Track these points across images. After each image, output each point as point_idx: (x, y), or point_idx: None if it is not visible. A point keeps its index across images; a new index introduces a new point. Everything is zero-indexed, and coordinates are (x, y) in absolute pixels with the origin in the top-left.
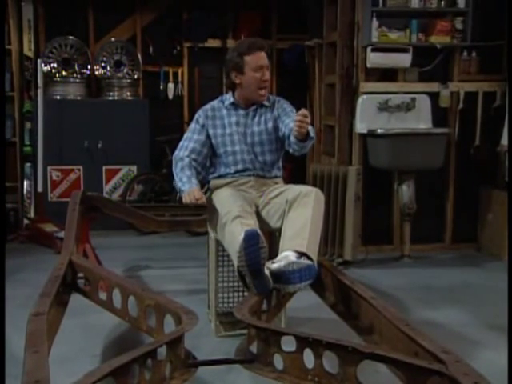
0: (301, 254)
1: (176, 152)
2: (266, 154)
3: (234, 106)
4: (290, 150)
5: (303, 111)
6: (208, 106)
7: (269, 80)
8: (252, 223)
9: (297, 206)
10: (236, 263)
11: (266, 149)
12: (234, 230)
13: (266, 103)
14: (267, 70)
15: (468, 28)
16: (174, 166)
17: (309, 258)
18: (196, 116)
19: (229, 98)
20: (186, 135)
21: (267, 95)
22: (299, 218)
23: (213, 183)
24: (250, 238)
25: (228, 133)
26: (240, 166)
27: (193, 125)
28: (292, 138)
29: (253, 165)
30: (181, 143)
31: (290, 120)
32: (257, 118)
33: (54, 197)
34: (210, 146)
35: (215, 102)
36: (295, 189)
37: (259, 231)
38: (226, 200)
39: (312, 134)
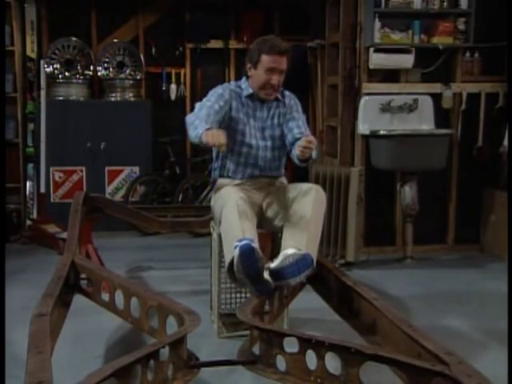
0: (299, 250)
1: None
2: (276, 149)
3: (251, 97)
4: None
5: (309, 138)
6: (231, 86)
7: (276, 84)
8: (248, 213)
9: (297, 203)
10: (228, 261)
11: (277, 144)
12: (230, 219)
13: (280, 98)
14: (278, 75)
15: (470, 29)
16: (188, 119)
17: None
18: (218, 90)
19: (246, 87)
20: (204, 100)
21: (282, 91)
22: (299, 216)
23: (220, 183)
24: (246, 253)
25: (247, 122)
26: (251, 160)
27: (214, 94)
28: (294, 154)
29: (264, 161)
30: (198, 106)
31: (295, 125)
32: (272, 111)
33: (56, 197)
34: (229, 125)
35: (232, 86)
36: (296, 186)
37: (254, 244)
38: (228, 190)
39: (314, 154)
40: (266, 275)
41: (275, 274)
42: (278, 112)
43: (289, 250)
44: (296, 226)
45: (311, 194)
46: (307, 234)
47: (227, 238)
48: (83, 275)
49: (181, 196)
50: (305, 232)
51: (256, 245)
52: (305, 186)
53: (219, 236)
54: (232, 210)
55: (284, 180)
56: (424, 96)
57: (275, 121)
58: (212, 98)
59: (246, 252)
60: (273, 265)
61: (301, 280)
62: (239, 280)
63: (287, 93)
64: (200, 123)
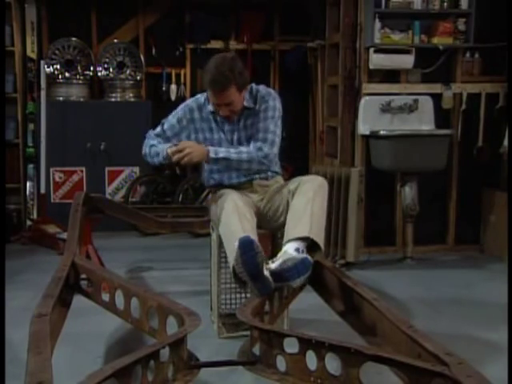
0: (301, 240)
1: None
2: None
3: (215, 113)
4: None
5: (179, 146)
6: (194, 105)
7: (226, 115)
8: (247, 214)
9: (298, 193)
10: (232, 262)
11: None
12: (230, 221)
13: (249, 106)
14: (225, 107)
15: (471, 29)
16: (146, 142)
17: (312, 241)
18: (179, 112)
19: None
20: (163, 124)
21: (252, 89)
22: (300, 204)
23: (213, 189)
24: (245, 245)
25: (216, 138)
26: (233, 173)
27: (173, 119)
28: None
29: (245, 170)
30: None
31: (255, 130)
32: (242, 122)
33: (56, 198)
34: None
35: (202, 98)
36: (297, 178)
37: (252, 237)
38: (225, 192)
39: (217, 155)
40: (267, 273)
41: (275, 275)
42: (250, 122)
43: (289, 249)
44: (298, 214)
45: (312, 182)
46: (309, 220)
47: (229, 239)
48: (83, 275)
49: (181, 196)
50: (307, 218)
51: (256, 239)
52: (306, 176)
53: (219, 236)
54: (231, 213)
55: (280, 179)
56: (424, 96)
57: (249, 132)
58: (170, 119)
59: (245, 244)
60: (273, 266)
61: (301, 282)
62: (241, 277)
63: (263, 93)
64: (160, 146)
